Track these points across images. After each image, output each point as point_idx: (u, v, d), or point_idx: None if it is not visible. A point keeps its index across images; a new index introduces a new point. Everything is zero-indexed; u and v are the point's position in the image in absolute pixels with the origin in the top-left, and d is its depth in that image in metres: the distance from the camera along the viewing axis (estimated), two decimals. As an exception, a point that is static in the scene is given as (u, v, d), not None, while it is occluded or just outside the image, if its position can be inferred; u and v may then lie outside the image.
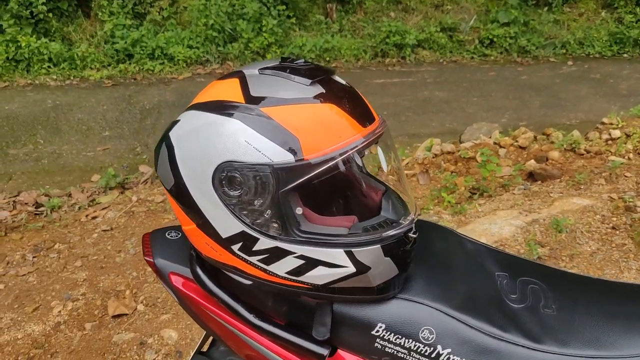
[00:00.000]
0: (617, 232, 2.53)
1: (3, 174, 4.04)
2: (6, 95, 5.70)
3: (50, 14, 6.43)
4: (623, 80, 6.59)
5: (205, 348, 1.28)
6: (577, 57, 7.69)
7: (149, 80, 6.35)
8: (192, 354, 1.27)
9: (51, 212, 3.26)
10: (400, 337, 0.85)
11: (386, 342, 0.85)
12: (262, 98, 0.80)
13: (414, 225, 0.85)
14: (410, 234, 0.84)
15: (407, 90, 6.15)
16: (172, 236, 1.08)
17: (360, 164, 0.98)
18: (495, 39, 7.62)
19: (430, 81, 6.52)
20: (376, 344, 0.86)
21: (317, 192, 0.91)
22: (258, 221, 0.80)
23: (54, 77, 6.20)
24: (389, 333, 0.85)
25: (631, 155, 3.54)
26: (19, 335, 2.11)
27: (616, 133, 3.88)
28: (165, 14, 6.98)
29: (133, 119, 5.20)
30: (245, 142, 0.77)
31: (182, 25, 7.05)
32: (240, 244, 0.82)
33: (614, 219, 2.62)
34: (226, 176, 0.78)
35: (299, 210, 0.80)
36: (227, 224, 0.81)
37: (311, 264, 0.81)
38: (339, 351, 0.90)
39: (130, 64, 6.52)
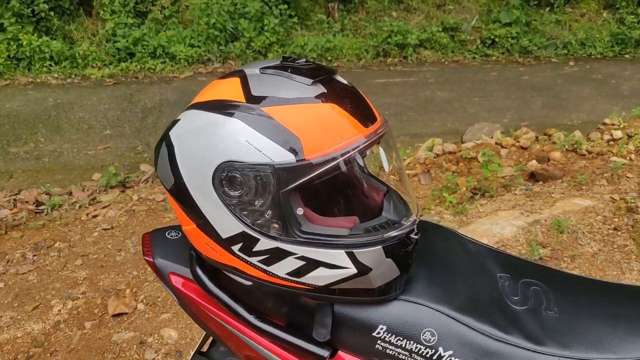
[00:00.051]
0: (619, 233, 2.52)
1: (4, 172, 4.04)
2: (7, 93, 5.70)
3: (52, 13, 6.43)
4: (625, 81, 6.57)
5: (205, 348, 1.28)
6: (578, 58, 7.67)
7: (150, 79, 6.34)
8: (192, 354, 1.27)
9: (52, 211, 3.25)
10: (401, 338, 0.84)
11: (387, 344, 0.85)
12: (263, 97, 0.79)
13: (415, 226, 0.85)
14: (412, 235, 0.84)
15: (408, 90, 6.14)
16: (172, 236, 1.07)
17: (362, 164, 0.97)
18: (497, 39, 7.61)
19: (432, 81, 6.51)
20: (377, 346, 0.86)
21: (318, 193, 0.90)
22: (258, 222, 0.79)
23: (55, 75, 6.19)
24: (390, 335, 0.84)
25: (633, 156, 3.53)
26: (18, 333, 2.11)
27: (618, 134, 3.87)
28: (167, 12, 6.97)
29: (134, 118, 5.20)
30: (246, 141, 0.76)
31: (183, 24, 7.05)
32: (241, 244, 0.82)
33: (616, 220, 2.62)
34: (226, 176, 0.77)
35: (299, 211, 0.79)
36: (228, 224, 0.81)
37: (312, 265, 0.80)
38: (340, 353, 0.90)
39: (131, 62, 6.52)
